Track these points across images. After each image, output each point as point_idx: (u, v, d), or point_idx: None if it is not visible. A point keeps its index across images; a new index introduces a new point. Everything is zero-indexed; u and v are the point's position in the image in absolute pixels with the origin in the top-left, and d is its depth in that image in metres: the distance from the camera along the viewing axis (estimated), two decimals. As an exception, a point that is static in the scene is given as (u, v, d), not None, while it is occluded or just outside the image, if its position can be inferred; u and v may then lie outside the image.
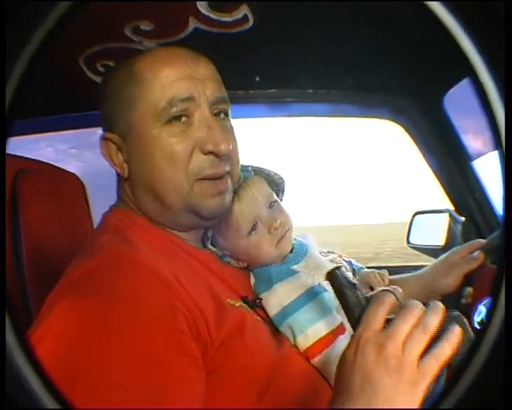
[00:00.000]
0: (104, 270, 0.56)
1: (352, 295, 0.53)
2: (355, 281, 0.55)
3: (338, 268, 0.55)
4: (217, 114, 0.68)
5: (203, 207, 0.66)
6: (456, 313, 0.52)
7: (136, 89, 0.65)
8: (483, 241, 0.90)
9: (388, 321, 0.50)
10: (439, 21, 0.36)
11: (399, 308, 0.51)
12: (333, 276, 0.55)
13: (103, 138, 0.69)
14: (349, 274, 0.56)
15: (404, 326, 0.48)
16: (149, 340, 0.51)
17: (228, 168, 0.67)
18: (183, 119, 0.65)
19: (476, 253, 0.87)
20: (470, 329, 0.51)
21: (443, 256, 0.91)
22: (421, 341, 0.47)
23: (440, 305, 0.50)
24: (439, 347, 0.46)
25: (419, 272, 0.92)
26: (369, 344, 0.48)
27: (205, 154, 0.65)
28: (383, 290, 0.53)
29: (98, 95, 0.71)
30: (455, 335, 0.47)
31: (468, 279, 0.87)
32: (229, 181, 0.69)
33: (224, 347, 0.59)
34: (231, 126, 0.71)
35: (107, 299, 0.53)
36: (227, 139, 0.66)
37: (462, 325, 0.49)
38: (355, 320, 0.52)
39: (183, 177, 0.65)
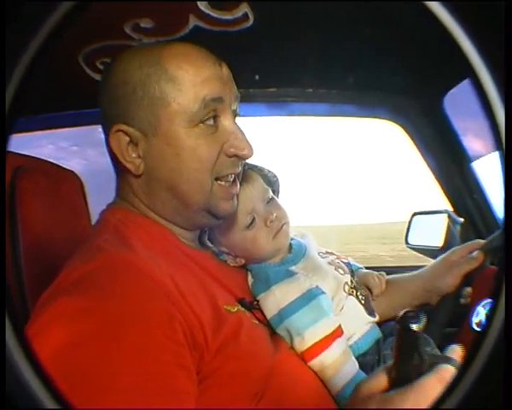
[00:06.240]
0: (103, 272, 0.56)
1: (417, 355, 0.47)
2: (429, 338, 0.49)
3: (417, 317, 0.48)
4: (233, 116, 0.70)
5: (220, 208, 0.69)
6: None
7: (168, 86, 0.63)
8: (482, 241, 0.89)
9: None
10: (439, 21, 0.36)
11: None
12: (408, 324, 0.48)
13: (116, 130, 0.64)
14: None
15: None
16: (146, 348, 0.51)
17: (240, 169, 0.71)
18: (211, 121, 0.66)
19: (476, 253, 0.85)
20: None
21: (442, 256, 0.90)
22: None
23: None
24: None
25: (418, 271, 0.91)
26: None
27: (229, 157, 0.68)
28: (446, 359, 0.47)
29: (105, 83, 0.67)
30: None
31: (467, 279, 0.86)
32: (238, 184, 0.73)
33: (220, 353, 0.59)
34: None
35: (105, 303, 0.52)
36: (248, 144, 0.69)
37: None
38: (405, 376, 0.47)
39: (209, 177, 0.67)
